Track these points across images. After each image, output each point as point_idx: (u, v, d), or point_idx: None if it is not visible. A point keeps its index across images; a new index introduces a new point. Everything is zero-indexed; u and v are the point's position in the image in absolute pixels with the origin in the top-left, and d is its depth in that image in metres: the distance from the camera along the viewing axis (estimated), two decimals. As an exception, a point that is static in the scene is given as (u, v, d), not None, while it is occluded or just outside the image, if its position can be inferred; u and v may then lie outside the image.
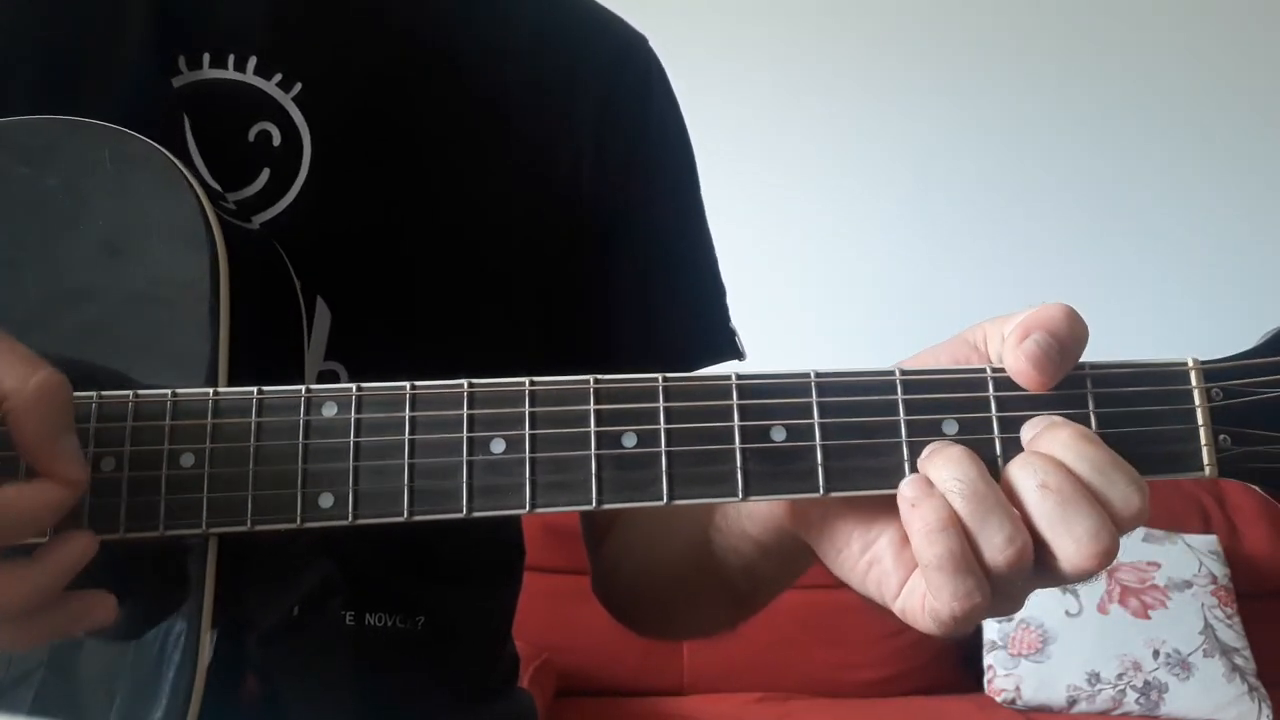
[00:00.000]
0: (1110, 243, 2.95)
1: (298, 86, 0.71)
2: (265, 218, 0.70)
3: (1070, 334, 0.52)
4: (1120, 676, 2.37)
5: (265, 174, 0.70)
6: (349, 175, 0.72)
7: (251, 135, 0.71)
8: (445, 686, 0.78)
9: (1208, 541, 2.55)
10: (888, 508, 0.53)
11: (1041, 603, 2.43)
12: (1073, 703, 2.38)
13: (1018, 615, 2.44)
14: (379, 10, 0.76)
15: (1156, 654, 2.38)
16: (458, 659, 0.79)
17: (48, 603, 0.50)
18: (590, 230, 0.79)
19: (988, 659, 2.46)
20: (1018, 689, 2.40)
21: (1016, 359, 0.52)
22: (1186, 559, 2.50)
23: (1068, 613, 2.43)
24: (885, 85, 2.98)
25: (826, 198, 2.95)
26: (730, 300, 0.85)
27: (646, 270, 0.81)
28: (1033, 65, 2.98)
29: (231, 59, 0.71)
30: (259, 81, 0.71)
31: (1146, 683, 2.36)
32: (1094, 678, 2.37)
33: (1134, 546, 2.49)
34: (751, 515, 0.61)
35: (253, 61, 0.71)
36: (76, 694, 0.56)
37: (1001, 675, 2.42)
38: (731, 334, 0.83)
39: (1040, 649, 2.41)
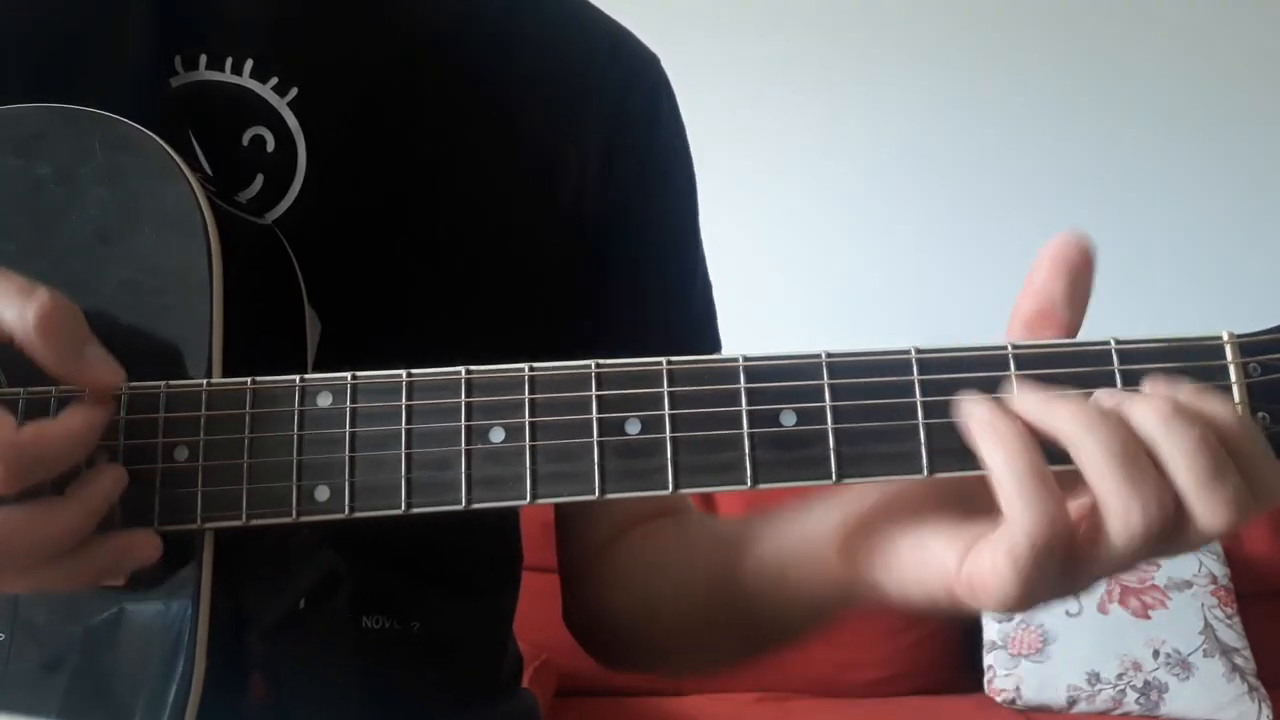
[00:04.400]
0: (1110, 232, 2.94)
1: (294, 91, 0.70)
2: None
3: (1080, 257, 0.51)
4: (1120, 676, 2.37)
5: (259, 180, 0.69)
6: (344, 185, 0.71)
7: (245, 139, 0.70)
8: (444, 689, 0.77)
9: (1208, 541, 2.54)
10: (924, 503, 0.51)
11: (1042, 602, 2.43)
12: (1073, 703, 2.37)
13: (1018, 615, 2.43)
14: (382, 16, 0.75)
15: (1156, 654, 2.38)
16: (456, 662, 0.78)
17: (84, 536, 0.51)
18: (590, 248, 0.77)
19: (988, 659, 2.45)
20: (1018, 689, 2.39)
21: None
22: (1186, 559, 2.49)
23: (1068, 613, 2.43)
24: (878, 79, 2.98)
25: (819, 192, 2.95)
26: (723, 302, 0.84)
27: (641, 293, 0.80)
28: (1026, 55, 2.98)
29: (229, 61, 0.70)
30: (254, 85, 0.70)
31: (1146, 683, 2.36)
32: (1094, 678, 2.37)
33: (1134, 546, 2.48)
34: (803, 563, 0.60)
35: (249, 64, 0.70)
36: (74, 692, 0.55)
37: (1001, 675, 2.41)
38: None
39: (1040, 649, 2.40)
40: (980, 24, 2.98)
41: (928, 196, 2.96)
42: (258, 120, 0.70)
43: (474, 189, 0.74)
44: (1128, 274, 2.90)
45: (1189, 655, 2.38)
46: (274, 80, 0.70)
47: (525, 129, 0.76)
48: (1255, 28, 2.98)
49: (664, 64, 0.85)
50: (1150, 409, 0.47)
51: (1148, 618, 2.42)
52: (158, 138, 0.60)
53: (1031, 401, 0.49)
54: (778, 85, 2.96)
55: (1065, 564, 0.47)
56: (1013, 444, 0.47)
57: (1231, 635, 2.42)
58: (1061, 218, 2.92)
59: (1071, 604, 2.42)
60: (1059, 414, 0.48)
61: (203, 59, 0.70)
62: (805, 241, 2.94)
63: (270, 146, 0.70)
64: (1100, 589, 2.42)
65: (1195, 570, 2.48)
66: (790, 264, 2.92)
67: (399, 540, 0.65)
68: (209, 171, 0.68)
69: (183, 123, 0.68)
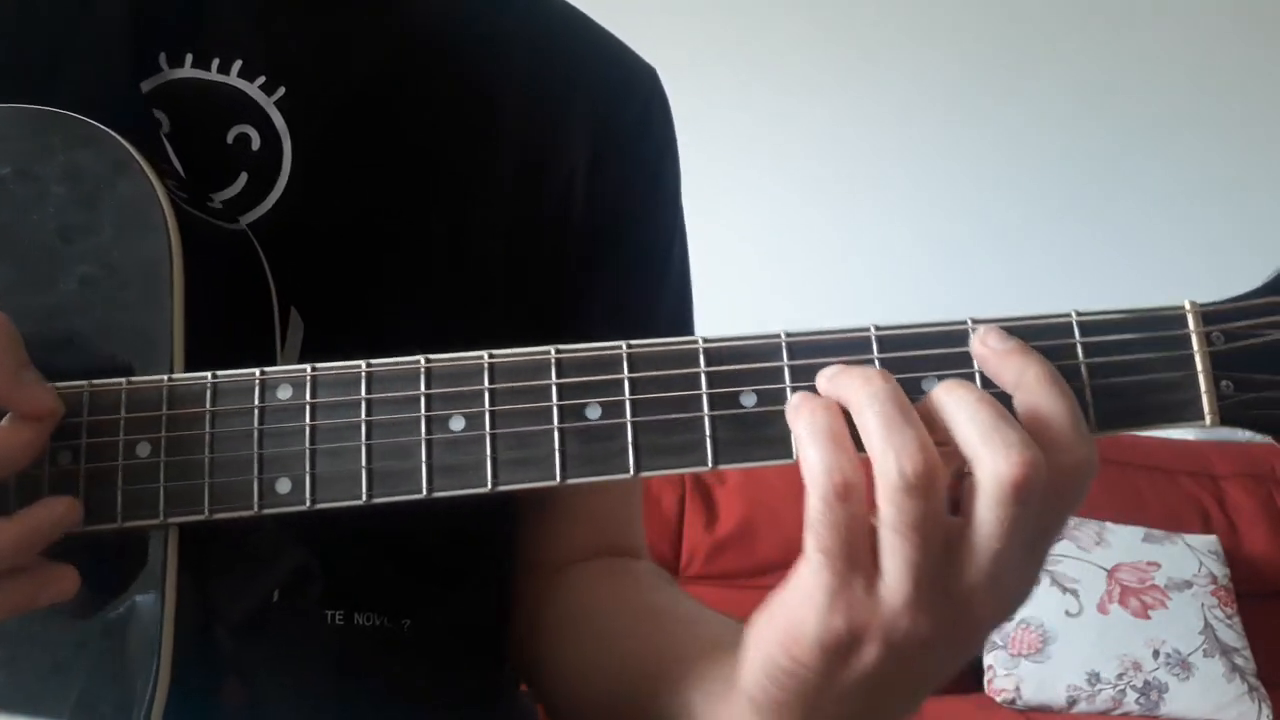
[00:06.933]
0: (1100, 231, 2.95)
1: (281, 91, 0.70)
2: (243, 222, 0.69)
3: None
4: (1120, 676, 2.36)
5: (243, 178, 0.69)
6: (329, 184, 0.71)
7: (230, 138, 0.69)
8: (438, 689, 0.76)
9: (1208, 541, 2.54)
10: None
11: (1042, 602, 2.42)
12: (1073, 703, 2.36)
13: (1018, 615, 2.42)
14: (370, 18, 0.74)
15: (1156, 654, 2.37)
16: (451, 661, 0.77)
17: (20, 562, 0.50)
18: (575, 252, 0.77)
19: (988, 659, 2.44)
20: (1018, 689, 2.38)
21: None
22: (1186, 559, 2.49)
23: (1068, 613, 2.42)
24: (873, 78, 2.98)
25: (812, 192, 2.96)
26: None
27: (624, 300, 0.79)
28: (1021, 55, 2.99)
29: (216, 61, 0.70)
30: (241, 84, 0.70)
31: (1146, 683, 2.35)
32: (1094, 678, 2.36)
33: (1134, 546, 2.48)
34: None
35: (237, 64, 0.70)
36: (42, 691, 0.55)
37: (1001, 675, 2.40)
38: None
39: (1040, 649, 2.39)
40: (975, 23, 2.99)
41: (921, 195, 2.97)
42: (243, 118, 0.70)
43: (460, 189, 0.74)
44: (1118, 271, 2.91)
45: (1189, 655, 2.37)
46: (261, 79, 0.70)
47: (512, 129, 0.76)
48: (1256, 27, 2.99)
49: (660, 63, 0.85)
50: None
51: (1148, 618, 2.41)
52: (118, 135, 0.60)
53: (823, 378, 0.49)
54: (772, 85, 2.96)
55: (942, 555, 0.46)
56: (816, 410, 0.48)
57: (1231, 635, 2.41)
58: (1052, 216, 2.94)
59: (1071, 604, 2.42)
60: (841, 382, 0.49)
61: (189, 57, 0.70)
62: (798, 240, 2.94)
63: (255, 145, 0.70)
64: (1100, 589, 2.42)
65: (1195, 570, 2.47)
66: (783, 262, 2.92)
67: (392, 534, 0.65)
68: (179, 168, 0.68)
69: (153, 120, 0.68)
